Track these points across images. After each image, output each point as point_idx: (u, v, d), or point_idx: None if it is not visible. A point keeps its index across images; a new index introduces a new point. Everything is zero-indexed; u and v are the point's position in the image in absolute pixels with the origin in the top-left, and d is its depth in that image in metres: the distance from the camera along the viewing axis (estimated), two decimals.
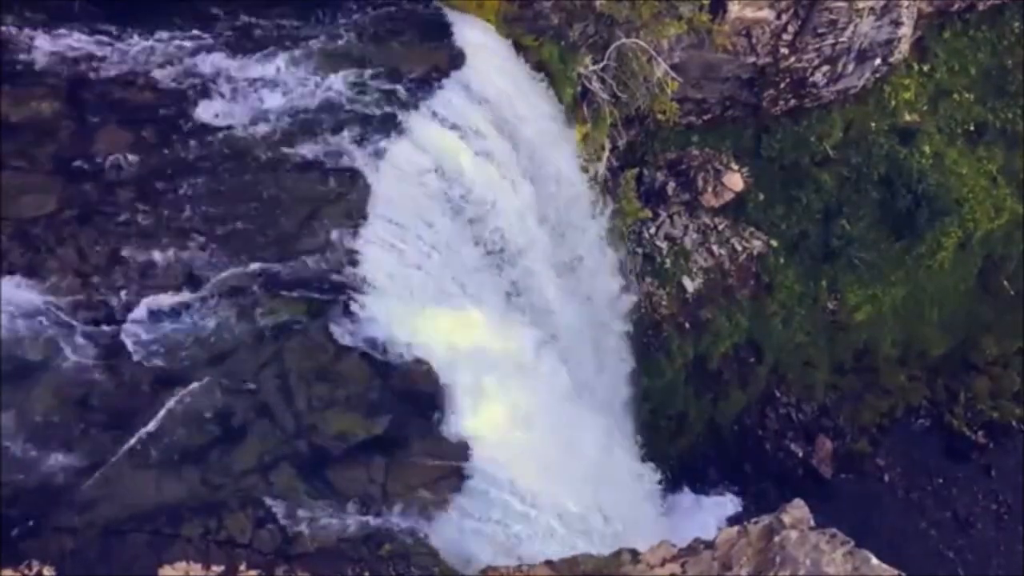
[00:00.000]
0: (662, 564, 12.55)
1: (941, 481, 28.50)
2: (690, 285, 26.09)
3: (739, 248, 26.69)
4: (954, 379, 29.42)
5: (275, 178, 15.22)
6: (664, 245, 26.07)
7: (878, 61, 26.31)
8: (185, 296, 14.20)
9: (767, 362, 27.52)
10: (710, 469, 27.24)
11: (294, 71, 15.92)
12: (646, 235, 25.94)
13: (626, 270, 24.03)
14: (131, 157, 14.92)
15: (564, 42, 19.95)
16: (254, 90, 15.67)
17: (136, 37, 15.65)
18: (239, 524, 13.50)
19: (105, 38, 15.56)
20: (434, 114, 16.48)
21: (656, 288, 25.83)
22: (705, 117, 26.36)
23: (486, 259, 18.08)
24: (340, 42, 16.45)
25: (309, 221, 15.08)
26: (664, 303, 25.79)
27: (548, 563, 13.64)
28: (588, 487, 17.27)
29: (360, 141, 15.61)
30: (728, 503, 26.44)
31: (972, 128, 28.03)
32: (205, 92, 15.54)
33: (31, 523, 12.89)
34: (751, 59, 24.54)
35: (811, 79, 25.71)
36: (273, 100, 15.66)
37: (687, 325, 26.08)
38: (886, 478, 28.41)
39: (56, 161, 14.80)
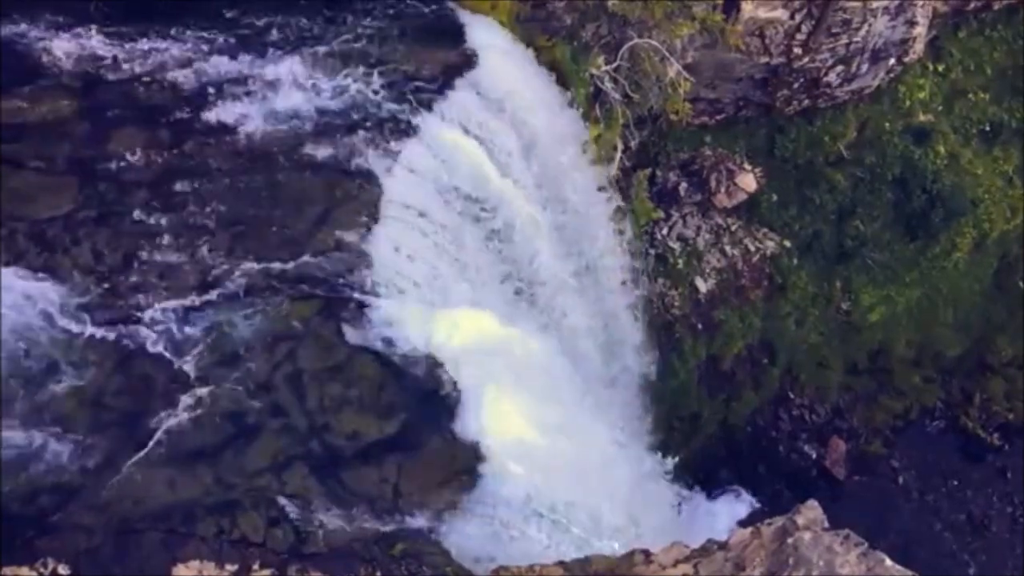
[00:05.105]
0: (675, 565, 12.54)
1: (956, 483, 28.33)
2: (703, 286, 26.03)
3: (752, 249, 26.62)
4: (969, 380, 29.24)
5: (288, 179, 15.28)
6: (677, 246, 26.01)
7: (892, 61, 26.18)
8: (199, 296, 14.27)
9: (780, 363, 27.43)
10: (723, 470, 27.17)
11: (308, 72, 15.98)
12: (659, 236, 25.89)
13: (638, 271, 24.00)
14: (147, 157, 15.02)
15: (577, 42, 19.95)
16: (268, 91, 15.74)
17: (151, 38, 15.74)
18: (252, 523, 13.55)
19: (121, 39, 15.66)
20: (446, 115, 16.52)
21: (668, 289, 25.78)
22: (718, 117, 26.29)
23: (498, 260, 18.10)
24: (353, 43, 16.49)
25: (322, 222, 15.14)
26: (676, 304, 25.74)
27: (560, 563, 13.66)
28: (600, 487, 17.26)
29: (373, 142, 15.66)
30: (741, 504, 26.37)
31: (987, 128, 27.85)
32: (219, 93, 15.62)
33: (46, 521, 12.97)
34: (764, 59, 24.45)
35: (825, 79, 25.61)
36: (287, 101, 15.72)
37: (700, 326, 26.01)
38: (900, 480, 28.27)
39: (72, 161, 14.90)
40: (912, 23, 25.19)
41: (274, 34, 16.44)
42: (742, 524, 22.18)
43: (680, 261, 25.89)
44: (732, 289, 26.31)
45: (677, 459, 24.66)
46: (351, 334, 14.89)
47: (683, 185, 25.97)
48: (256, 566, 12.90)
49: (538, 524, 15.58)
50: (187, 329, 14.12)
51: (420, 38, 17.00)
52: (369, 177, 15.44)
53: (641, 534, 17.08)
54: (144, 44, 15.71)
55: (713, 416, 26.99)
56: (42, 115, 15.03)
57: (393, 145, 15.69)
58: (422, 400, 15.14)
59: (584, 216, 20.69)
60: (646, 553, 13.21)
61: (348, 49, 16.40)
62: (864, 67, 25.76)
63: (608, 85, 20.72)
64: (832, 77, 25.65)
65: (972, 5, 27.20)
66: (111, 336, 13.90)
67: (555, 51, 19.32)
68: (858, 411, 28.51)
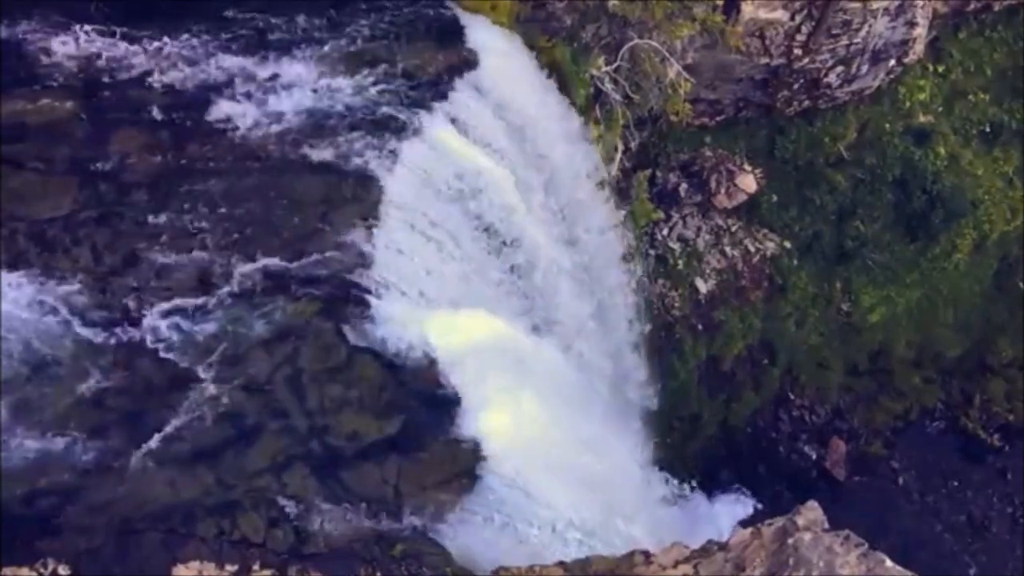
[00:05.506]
0: (675, 565, 12.54)
1: (956, 484, 28.33)
2: (703, 286, 26.04)
3: (752, 249, 26.62)
4: (969, 381, 29.24)
5: (289, 179, 15.28)
6: (677, 246, 26.02)
7: (892, 62, 26.19)
8: (199, 297, 14.26)
9: (780, 364, 27.44)
10: (723, 471, 27.16)
11: (309, 73, 15.98)
12: (659, 237, 25.91)
13: (639, 272, 24.04)
14: (147, 158, 15.01)
15: (577, 43, 19.96)
16: (269, 91, 15.74)
17: (152, 38, 15.74)
18: (253, 524, 13.55)
19: (121, 39, 15.66)
20: (447, 116, 16.51)
21: (669, 290, 25.79)
22: (718, 118, 26.30)
23: (499, 261, 18.10)
24: (354, 44, 16.50)
25: (323, 222, 15.13)
26: (677, 304, 25.75)
27: (560, 564, 13.66)
28: (601, 487, 17.25)
29: (374, 143, 15.65)
30: (741, 505, 26.35)
31: (987, 129, 27.87)
32: (220, 93, 15.62)
33: (46, 522, 12.97)
34: (764, 60, 24.46)
35: (825, 80, 25.62)
36: (288, 101, 15.72)
37: (700, 327, 26.02)
38: (900, 480, 28.27)
39: (72, 162, 14.89)
40: (912, 24, 25.20)
41: (274, 35, 16.45)
42: (742, 525, 22.16)
43: (680, 262, 25.90)
44: (732, 290, 26.31)
45: (678, 460, 24.72)
46: (352, 335, 14.88)
47: (683, 186, 25.97)
48: (256, 566, 12.89)
49: (537, 524, 15.59)
50: (187, 330, 14.11)
51: (421, 39, 17.00)
52: (370, 178, 15.44)
53: (640, 535, 17.07)
54: (144, 44, 15.70)
55: (713, 417, 26.99)
56: (42, 115, 15.01)
57: (394, 146, 15.69)
58: (422, 400, 15.12)
59: (585, 215, 20.73)
60: (646, 554, 13.20)
61: (349, 50, 16.40)
62: (864, 68, 25.77)
63: (608, 86, 20.73)
64: (832, 78, 25.66)
65: (972, 6, 27.21)
66: (111, 337, 13.88)
67: (555, 52, 19.33)
68: (858, 412, 28.51)
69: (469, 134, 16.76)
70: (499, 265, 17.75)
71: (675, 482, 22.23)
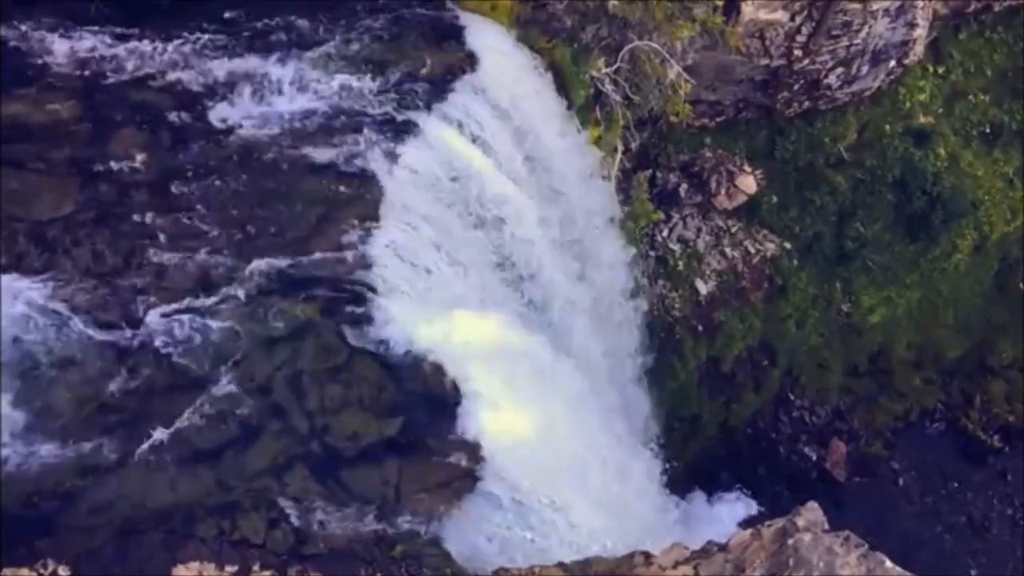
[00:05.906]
0: (675, 566, 12.55)
1: (956, 485, 28.35)
2: (703, 287, 26.04)
3: (752, 250, 26.63)
4: (969, 382, 29.28)
5: (290, 180, 15.28)
6: (677, 247, 26.03)
7: (892, 63, 26.20)
8: (200, 298, 14.27)
9: (781, 365, 27.45)
10: (723, 472, 27.19)
11: (309, 74, 15.97)
12: (659, 237, 25.92)
13: (639, 274, 24.05)
14: (147, 159, 15.01)
15: (577, 44, 19.96)
16: (269, 92, 15.74)
17: (152, 39, 15.74)
18: (253, 525, 13.56)
19: (121, 40, 15.67)
20: (447, 117, 16.52)
21: (669, 291, 25.80)
22: (718, 119, 26.31)
23: (500, 261, 18.11)
24: (354, 45, 16.49)
25: (323, 223, 15.13)
26: (677, 305, 25.76)
27: (561, 565, 13.66)
28: (601, 488, 17.26)
29: (374, 144, 15.65)
30: (741, 506, 26.38)
31: (988, 130, 27.89)
32: (221, 94, 15.62)
33: (47, 522, 12.98)
34: (765, 61, 24.47)
35: (825, 81, 25.63)
36: (288, 102, 15.72)
37: (700, 328, 26.03)
38: (900, 481, 28.29)
39: (72, 163, 14.89)
40: (912, 25, 25.20)
41: (275, 35, 16.44)
42: (742, 525, 22.20)
43: (680, 263, 25.91)
44: (732, 291, 26.32)
45: (678, 461, 24.73)
46: (352, 335, 14.88)
47: (683, 187, 25.98)
48: (256, 567, 12.90)
49: (537, 525, 15.58)
50: (188, 331, 14.11)
51: (421, 40, 16.99)
52: (370, 179, 15.45)
53: (640, 536, 17.07)
54: (145, 45, 15.70)
55: (713, 418, 27.00)
56: (43, 116, 15.01)
57: (394, 147, 15.69)
58: (423, 401, 15.12)
59: (585, 216, 20.78)
60: (646, 555, 13.20)
61: (349, 51, 16.40)
62: (864, 69, 25.77)
63: (608, 87, 20.74)
64: (832, 79, 25.66)
65: (972, 7, 27.22)
66: (112, 338, 13.89)
67: (555, 53, 19.33)
68: (858, 413, 28.53)
69: (468, 132, 16.75)
70: (517, 299, 17.89)
71: (684, 504, 22.28)
